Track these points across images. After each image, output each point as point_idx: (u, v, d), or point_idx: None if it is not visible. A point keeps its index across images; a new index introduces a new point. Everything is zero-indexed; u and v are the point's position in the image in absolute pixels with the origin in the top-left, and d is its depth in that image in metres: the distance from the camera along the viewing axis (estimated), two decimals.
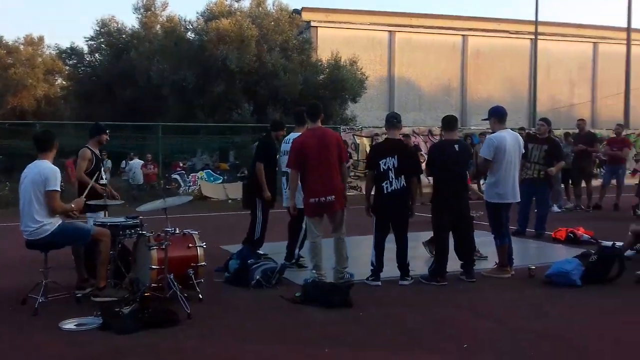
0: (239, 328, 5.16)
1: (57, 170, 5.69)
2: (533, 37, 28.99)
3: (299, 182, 6.60)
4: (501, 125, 7.11)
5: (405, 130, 16.47)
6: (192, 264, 5.89)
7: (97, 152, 7.01)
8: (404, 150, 6.72)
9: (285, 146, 7.17)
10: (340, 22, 30.03)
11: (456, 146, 6.77)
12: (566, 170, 13.52)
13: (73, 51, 28.89)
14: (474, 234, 7.02)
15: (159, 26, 27.77)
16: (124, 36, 27.83)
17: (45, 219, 5.60)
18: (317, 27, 29.47)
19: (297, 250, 7.47)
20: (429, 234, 7.37)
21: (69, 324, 5.18)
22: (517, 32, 33.22)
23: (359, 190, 16.52)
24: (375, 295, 6.22)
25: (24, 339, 4.90)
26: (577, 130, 14.39)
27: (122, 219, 6.30)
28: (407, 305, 5.89)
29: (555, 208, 12.89)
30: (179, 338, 4.86)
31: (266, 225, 7.79)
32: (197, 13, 27.23)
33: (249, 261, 6.78)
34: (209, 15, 23.60)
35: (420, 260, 7.36)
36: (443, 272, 6.66)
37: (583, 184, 13.67)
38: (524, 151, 7.43)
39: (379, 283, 6.57)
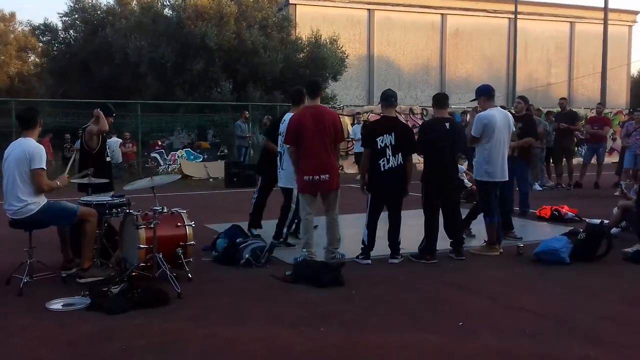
0: (231, 308, 5.08)
1: (42, 148, 5.54)
2: (511, 16, 29.04)
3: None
4: (490, 103, 7.08)
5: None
6: (181, 243, 5.79)
7: None
8: (401, 128, 6.65)
9: (282, 126, 7.06)
10: (319, 0, 29.72)
11: (447, 124, 6.72)
12: (548, 148, 13.65)
13: (47, 27, 28.09)
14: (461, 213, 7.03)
15: (135, 2, 27.17)
16: (99, 12, 27.17)
17: (30, 197, 5.44)
18: (295, 4, 29.12)
19: (284, 230, 7.40)
20: (418, 212, 7.35)
21: (56, 305, 5.06)
22: (495, 11, 33.24)
23: (341, 169, 16.47)
24: (366, 273, 6.19)
25: (9, 321, 4.76)
26: (558, 109, 14.49)
27: (108, 198, 6.15)
28: (399, 283, 5.87)
29: (537, 186, 13.00)
30: (170, 319, 4.77)
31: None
32: None
33: (237, 240, 6.70)
34: None
35: (408, 238, 7.33)
36: (433, 251, 6.65)
37: (564, 162, 13.79)
38: (513, 129, 7.41)
39: (370, 261, 6.54)
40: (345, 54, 24.09)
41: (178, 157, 18.95)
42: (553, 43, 35.16)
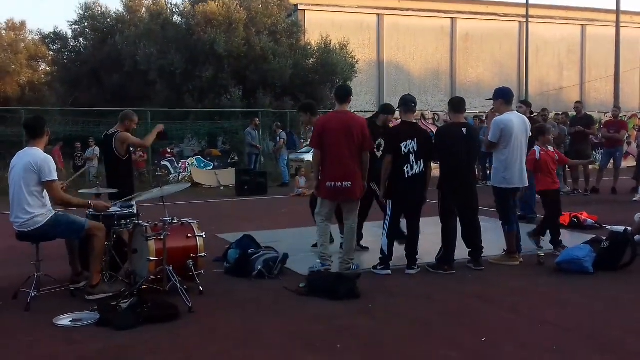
0: (243, 323, 4.90)
1: (49, 158, 5.39)
2: (521, 19, 28.84)
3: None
4: (508, 107, 6.89)
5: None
6: (191, 255, 5.63)
7: None
8: (422, 134, 6.49)
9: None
10: (328, 5, 29.65)
11: (464, 129, 6.53)
12: (564, 153, 13.38)
13: (57, 36, 28.26)
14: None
15: (144, 9, 27.23)
16: (108, 20, 27.27)
17: (36, 209, 5.30)
18: (304, 10, 29.08)
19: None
20: (434, 220, 7.16)
21: (64, 320, 4.90)
22: (505, 15, 33.05)
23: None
24: (382, 285, 5.99)
25: (17, 337, 4.61)
26: (573, 113, 14.26)
27: (117, 209, 6.01)
28: (416, 295, 5.67)
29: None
30: (181, 334, 4.61)
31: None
32: None
33: (249, 251, 6.53)
34: None
35: (424, 247, 7.13)
36: (451, 261, 6.45)
37: (580, 168, 13.53)
38: (530, 134, 7.21)
39: (390, 272, 6.33)
40: (355, 59, 23.99)
41: (188, 165, 18.82)
42: (565, 46, 34.89)
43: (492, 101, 7.03)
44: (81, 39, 28.25)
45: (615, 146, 13.63)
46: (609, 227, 8.16)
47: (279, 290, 5.80)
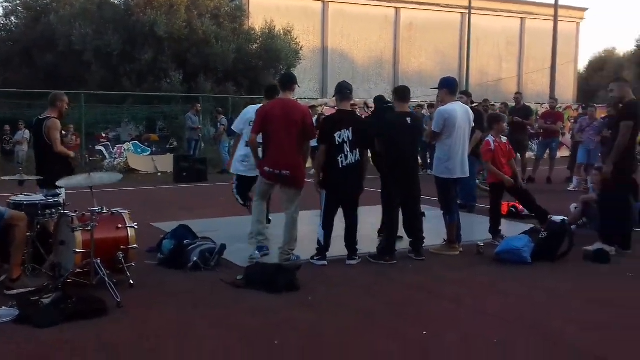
0: (176, 318, 4.65)
1: None
2: (463, 11, 29.17)
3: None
4: (452, 97, 6.83)
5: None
6: (121, 247, 5.32)
7: None
8: (358, 123, 6.33)
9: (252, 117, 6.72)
10: None
11: (408, 119, 6.44)
12: None
13: None
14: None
15: None
16: None
17: None
18: None
19: None
20: (374, 209, 7.07)
21: None
22: (447, 6, 33.38)
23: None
24: (322, 276, 5.85)
25: None
26: (513, 104, 14.48)
27: (41, 197, 5.62)
28: (357, 286, 5.55)
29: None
30: (108, 331, 4.33)
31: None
32: None
33: (185, 241, 6.25)
34: None
35: (365, 237, 7.02)
36: (392, 251, 6.36)
37: (517, 157, 13.75)
38: (473, 125, 7.19)
39: (326, 262, 6.20)
40: (299, 45, 23.70)
41: (125, 150, 18.17)
42: (504, 39, 35.56)
43: (436, 91, 6.97)
44: (12, 18, 26.91)
45: (551, 137, 13.93)
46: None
47: (215, 282, 5.56)
